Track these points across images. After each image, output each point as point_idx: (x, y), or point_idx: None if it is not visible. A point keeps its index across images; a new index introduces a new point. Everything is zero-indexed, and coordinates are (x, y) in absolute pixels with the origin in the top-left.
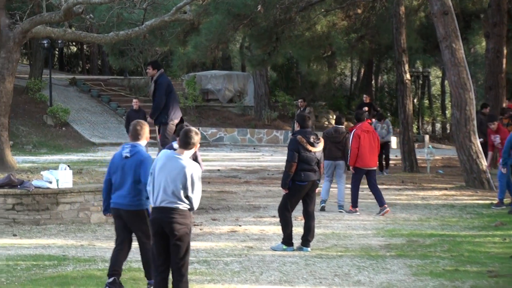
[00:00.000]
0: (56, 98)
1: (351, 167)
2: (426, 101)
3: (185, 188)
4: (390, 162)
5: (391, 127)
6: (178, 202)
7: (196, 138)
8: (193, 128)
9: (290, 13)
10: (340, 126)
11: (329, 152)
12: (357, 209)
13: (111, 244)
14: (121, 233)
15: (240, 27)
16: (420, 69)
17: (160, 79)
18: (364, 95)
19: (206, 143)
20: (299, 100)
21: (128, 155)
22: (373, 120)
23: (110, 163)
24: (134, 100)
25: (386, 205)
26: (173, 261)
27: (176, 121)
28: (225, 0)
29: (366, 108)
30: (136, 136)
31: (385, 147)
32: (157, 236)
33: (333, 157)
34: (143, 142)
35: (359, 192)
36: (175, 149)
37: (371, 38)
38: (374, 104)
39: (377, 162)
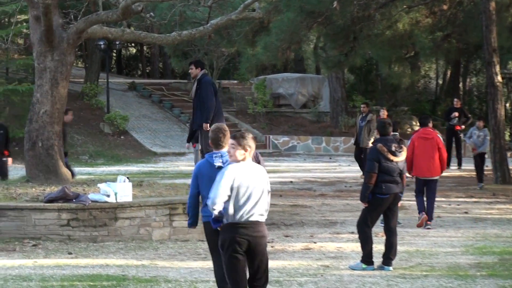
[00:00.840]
0: (114, 104)
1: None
2: None
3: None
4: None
5: (488, 137)
6: (265, 214)
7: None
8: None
9: (369, 10)
10: (393, 133)
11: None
12: (429, 222)
13: (175, 263)
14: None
15: (314, 25)
16: None
17: (204, 78)
18: (455, 99)
19: (277, 153)
20: (362, 105)
21: (221, 164)
22: (472, 127)
23: (198, 174)
24: None
25: (426, 216)
26: (259, 278)
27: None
28: None
29: (456, 114)
30: (220, 144)
31: (479, 158)
32: (240, 254)
33: None
34: (226, 149)
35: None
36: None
37: (458, 36)
38: (464, 110)
39: (439, 172)
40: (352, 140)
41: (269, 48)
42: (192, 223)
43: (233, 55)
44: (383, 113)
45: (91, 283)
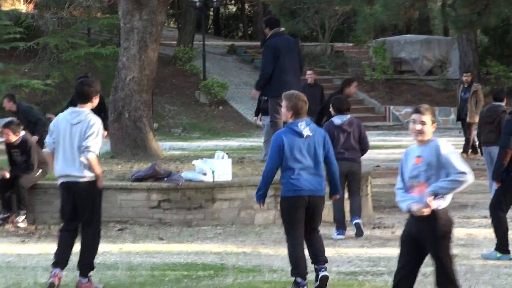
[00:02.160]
0: (211, 70)
1: None
2: None
3: None
4: None
5: None
6: None
7: None
8: None
9: None
10: (497, 103)
11: (483, 136)
12: None
13: (280, 250)
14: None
15: None
16: None
17: (269, 40)
18: None
19: (398, 126)
20: (465, 75)
21: (310, 133)
22: None
23: (281, 145)
24: (309, 72)
25: None
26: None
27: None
28: None
29: None
30: (301, 112)
31: None
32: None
33: (486, 142)
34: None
35: None
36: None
37: None
38: None
39: None
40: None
41: (390, 6)
42: (262, 198)
43: (348, 14)
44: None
45: (185, 273)
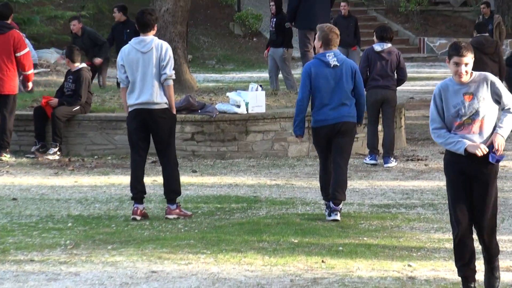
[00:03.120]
0: (246, 0)
1: None
2: None
3: None
4: None
5: None
6: None
7: None
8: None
9: None
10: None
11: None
12: None
13: (313, 183)
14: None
15: None
16: None
17: None
18: None
19: (433, 57)
20: (482, 6)
21: (337, 63)
22: None
23: (310, 74)
24: (342, 4)
25: None
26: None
27: (312, 33)
28: None
29: None
30: (331, 44)
31: None
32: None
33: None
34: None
35: None
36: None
37: None
38: None
39: None
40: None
41: None
42: (301, 131)
43: None
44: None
45: (218, 205)
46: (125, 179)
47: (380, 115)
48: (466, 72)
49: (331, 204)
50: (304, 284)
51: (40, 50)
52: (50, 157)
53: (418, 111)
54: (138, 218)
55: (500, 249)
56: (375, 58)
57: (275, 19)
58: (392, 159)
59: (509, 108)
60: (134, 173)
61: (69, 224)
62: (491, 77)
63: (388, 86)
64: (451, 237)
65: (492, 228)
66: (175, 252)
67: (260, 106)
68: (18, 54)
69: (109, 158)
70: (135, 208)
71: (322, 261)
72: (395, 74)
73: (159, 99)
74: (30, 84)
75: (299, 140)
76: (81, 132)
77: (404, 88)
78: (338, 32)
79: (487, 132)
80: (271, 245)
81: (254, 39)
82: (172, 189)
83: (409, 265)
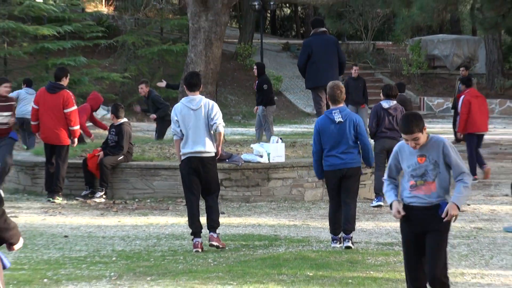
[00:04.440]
0: (268, 64)
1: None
2: None
3: None
4: None
5: None
6: None
7: None
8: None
9: None
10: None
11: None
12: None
13: (327, 224)
14: (337, 195)
15: None
16: None
17: (305, 40)
18: None
19: (431, 115)
20: (461, 69)
21: (341, 120)
22: None
23: (320, 130)
24: (354, 68)
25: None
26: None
27: (323, 91)
28: None
29: None
30: (337, 99)
31: None
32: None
33: None
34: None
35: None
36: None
37: None
38: None
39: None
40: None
41: (425, 9)
42: (320, 176)
43: (388, 16)
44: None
45: (243, 243)
46: (162, 220)
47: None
48: (416, 144)
49: (343, 234)
50: None
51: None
52: (97, 200)
53: None
54: (200, 250)
55: (488, 282)
56: (383, 113)
57: (257, 81)
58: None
59: (462, 179)
60: (191, 211)
61: (113, 258)
62: (446, 142)
63: (394, 137)
64: (449, 271)
65: (446, 276)
66: (205, 283)
67: (280, 156)
68: (65, 111)
69: (148, 201)
70: (196, 242)
71: None
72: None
73: (208, 148)
74: (75, 140)
75: (321, 181)
76: (124, 178)
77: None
78: (342, 88)
79: (438, 193)
80: (289, 278)
81: (275, 98)
82: (215, 220)
83: None
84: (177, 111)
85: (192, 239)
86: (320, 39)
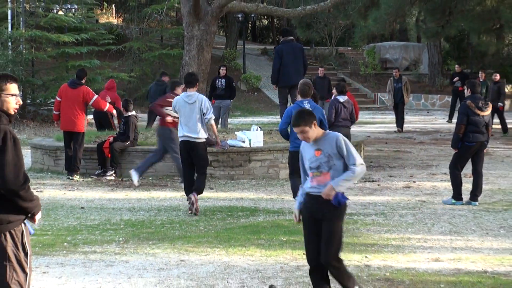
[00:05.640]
0: (249, 66)
1: None
2: None
3: None
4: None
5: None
6: None
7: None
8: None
9: None
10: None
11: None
12: None
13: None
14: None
15: (416, 2)
16: None
17: (277, 47)
18: (456, 65)
19: (384, 107)
20: (394, 71)
21: (310, 108)
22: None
23: (290, 115)
24: (320, 69)
25: None
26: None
27: (287, 89)
28: None
29: (457, 78)
30: (306, 94)
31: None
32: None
33: None
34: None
35: None
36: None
37: None
38: (465, 73)
39: None
40: (409, 97)
41: (379, 21)
42: (286, 137)
43: (348, 26)
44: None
45: (229, 213)
46: (161, 194)
47: None
48: (304, 136)
49: None
50: (290, 270)
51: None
52: (108, 178)
53: (373, 146)
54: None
55: (430, 245)
56: (340, 106)
57: (224, 80)
58: None
59: (351, 168)
60: (184, 178)
61: (121, 226)
62: (340, 137)
63: (348, 126)
64: (397, 236)
65: (336, 261)
66: (197, 246)
67: (259, 142)
68: (90, 103)
69: (150, 178)
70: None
71: (303, 254)
72: (350, 118)
73: (199, 135)
74: (114, 112)
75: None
76: (130, 160)
77: (363, 129)
78: (311, 85)
79: (336, 178)
80: (266, 242)
81: (255, 94)
82: (198, 185)
83: (365, 257)
84: (177, 102)
85: (187, 199)
86: (289, 46)
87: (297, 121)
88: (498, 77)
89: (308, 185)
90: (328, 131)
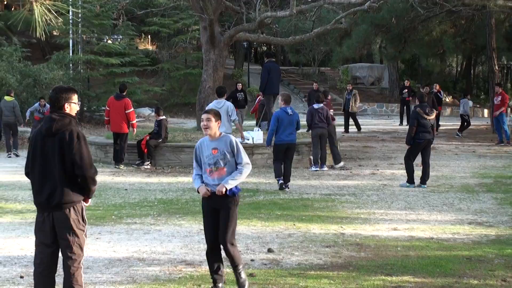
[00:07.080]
0: (252, 81)
1: None
2: (509, 85)
3: None
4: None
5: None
6: None
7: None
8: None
9: (414, 23)
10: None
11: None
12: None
13: (291, 183)
14: (281, 158)
15: (379, 33)
16: (505, 62)
17: (265, 64)
18: (405, 80)
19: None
20: (348, 85)
21: (291, 113)
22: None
23: (278, 118)
24: (315, 84)
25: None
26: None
27: (272, 97)
28: (369, 15)
29: (406, 90)
30: (288, 101)
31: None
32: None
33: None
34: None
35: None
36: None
37: (471, 40)
38: (411, 87)
39: None
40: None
41: (351, 47)
42: (268, 144)
43: (328, 51)
44: (436, 87)
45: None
46: (186, 179)
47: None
48: (206, 126)
49: (284, 183)
50: (283, 237)
51: (140, 109)
52: (145, 167)
53: (346, 142)
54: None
55: (390, 218)
56: (315, 112)
57: (242, 93)
58: (325, 166)
59: (238, 168)
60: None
61: (155, 203)
62: (232, 139)
63: (323, 127)
64: (365, 211)
65: (232, 243)
66: None
67: (260, 139)
68: (126, 112)
69: (177, 167)
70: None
71: (294, 224)
72: (326, 121)
73: (226, 131)
74: (134, 130)
75: (268, 149)
76: (162, 153)
77: (338, 130)
78: (290, 96)
79: (226, 178)
80: (265, 216)
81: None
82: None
83: (341, 227)
84: (212, 106)
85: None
86: (273, 65)
87: (211, 110)
88: (438, 87)
89: (206, 178)
90: (223, 133)
